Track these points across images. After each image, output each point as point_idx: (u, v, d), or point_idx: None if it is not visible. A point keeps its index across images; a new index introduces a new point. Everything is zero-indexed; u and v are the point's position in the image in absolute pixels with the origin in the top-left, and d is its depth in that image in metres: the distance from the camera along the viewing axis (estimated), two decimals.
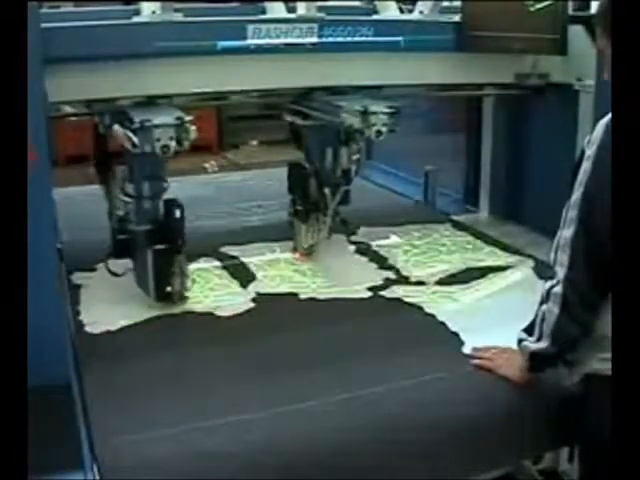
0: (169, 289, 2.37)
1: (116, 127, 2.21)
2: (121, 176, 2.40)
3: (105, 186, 2.55)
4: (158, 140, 2.11)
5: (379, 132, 2.37)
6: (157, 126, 2.11)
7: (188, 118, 2.15)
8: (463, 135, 3.74)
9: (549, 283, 1.73)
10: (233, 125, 8.52)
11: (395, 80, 2.83)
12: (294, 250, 2.86)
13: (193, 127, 2.14)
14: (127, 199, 2.36)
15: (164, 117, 2.14)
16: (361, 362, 2.05)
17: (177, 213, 2.33)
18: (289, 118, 2.85)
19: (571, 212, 1.67)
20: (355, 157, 2.75)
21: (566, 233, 1.68)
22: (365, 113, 2.37)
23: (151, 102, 2.43)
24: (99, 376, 1.96)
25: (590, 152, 1.63)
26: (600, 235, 1.59)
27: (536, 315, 1.78)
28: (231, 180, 4.28)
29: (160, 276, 2.35)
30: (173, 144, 2.11)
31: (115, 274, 2.45)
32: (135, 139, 2.12)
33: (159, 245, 2.33)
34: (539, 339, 1.76)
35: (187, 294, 2.42)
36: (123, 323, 2.29)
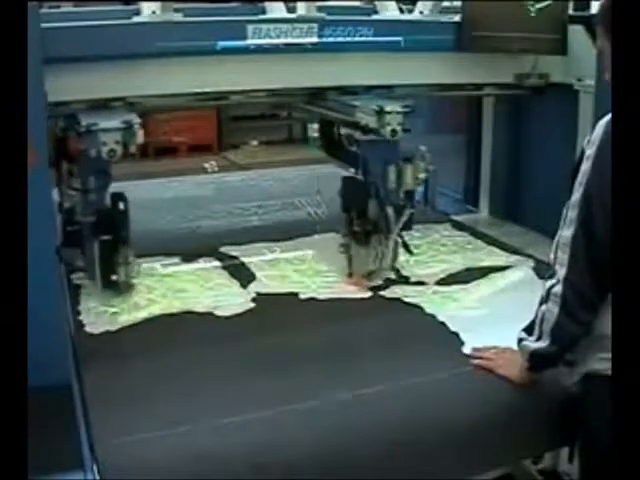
0: (114, 278, 2.42)
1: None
2: (67, 170, 2.48)
3: (57, 181, 2.59)
4: (104, 144, 2.13)
5: (394, 131, 2.37)
6: (104, 130, 2.12)
7: (136, 121, 2.16)
8: (463, 135, 3.74)
9: (549, 283, 1.73)
10: (233, 125, 8.51)
11: (395, 80, 2.83)
12: (349, 275, 2.62)
13: (141, 131, 2.16)
14: (73, 192, 2.44)
15: (111, 121, 2.15)
16: (361, 362, 2.05)
17: (121, 206, 2.39)
18: (344, 131, 2.68)
19: (571, 212, 1.67)
20: (421, 176, 2.52)
21: (566, 233, 1.68)
22: (380, 112, 2.37)
23: (105, 105, 2.42)
24: (99, 376, 1.96)
25: (590, 152, 1.63)
26: (600, 235, 1.59)
27: (536, 315, 1.78)
28: (231, 180, 4.28)
29: (105, 265, 2.41)
30: (119, 148, 2.13)
31: (66, 263, 2.49)
32: (82, 143, 2.16)
33: (104, 236, 2.39)
34: (539, 338, 1.76)
35: (133, 282, 2.48)
36: (123, 323, 2.29)
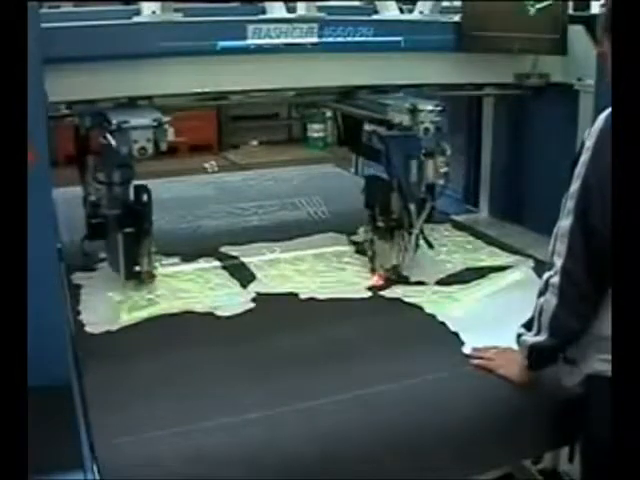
0: (137, 269, 2.47)
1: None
2: (93, 164, 2.51)
3: (81, 176, 2.62)
4: (135, 142, 2.14)
5: (427, 129, 2.39)
6: (135, 128, 2.14)
7: (166, 119, 2.17)
8: (463, 135, 3.74)
9: (547, 273, 1.73)
10: (233, 125, 8.52)
11: (395, 80, 2.83)
12: (372, 272, 2.66)
13: (171, 129, 2.18)
14: (99, 186, 2.47)
15: (141, 119, 2.17)
16: (361, 362, 2.05)
17: (144, 198, 2.43)
18: (368, 127, 2.71)
19: (569, 202, 1.67)
20: (443, 170, 2.56)
21: (564, 223, 1.68)
22: (414, 111, 2.40)
23: (132, 103, 2.45)
24: (99, 376, 1.96)
25: (589, 144, 1.64)
26: (597, 226, 1.60)
27: (534, 309, 1.78)
28: (231, 180, 4.28)
29: (129, 257, 2.46)
30: (150, 146, 2.15)
31: (87, 254, 2.60)
32: (113, 141, 2.16)
33: (128, 228, 2.42)
34: (538, 333, 1.76)
35: (155, 273, 2.53)
36: (123, 323, 2.29)
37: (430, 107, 2.43)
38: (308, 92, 2.83)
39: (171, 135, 2.19)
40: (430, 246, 2.72)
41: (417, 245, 2.65)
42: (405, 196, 2.55)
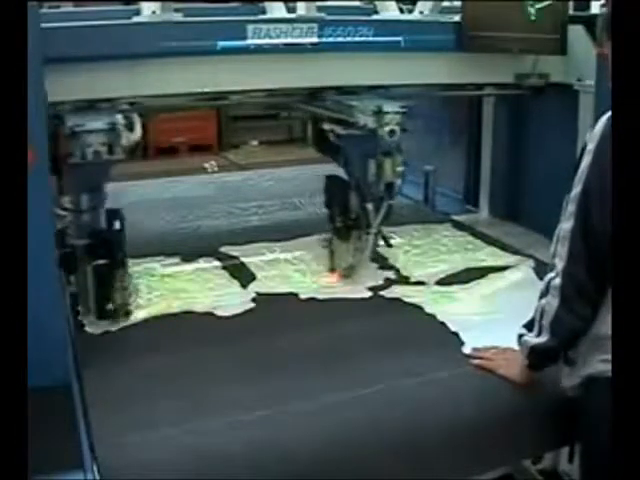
0: (110, 306, 2.26)
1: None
2: (55, 187, 2.25)
3: None
4: (89, 146, 2.04)
5: (392, 131, 2.37)
6: (89, 132, 2.05)
7: (121, 122, 2.09)
8: (463, 135, 3.74)
9: (549, 275, 1.74)
10: (233, 125, 8.52)
11: (395, 80, 2.83)
12: (331, 271, 2.68)
13: (126, 133, 2.08)
14: (63, 212, 2.25)
15: (96, 122, 2.08)
16: (361, 362, 2.05)
17: (117, 225, 2.24)
18: (327, 126, 2.69)
19: (571, 205, 1.68)
20: (399, 169, 2.56)
21: (566, 226, 1.69)
22: (379, 113, 2.37)
23: (92, 106, 2.34)
24: (99, 376, 1.96)
25: (590, 147, 1.64)
26: (598, 228, 1.60)
27: (536, 310, 1.78)
28: (231, 180, 4.28)
29: (101, 292, 2.24)
30: (104, 150, 2.05)
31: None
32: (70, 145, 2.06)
33: (99, 260, 2.22)
34: (539, 334, 1.76)
35: (130, 309, 2.32)
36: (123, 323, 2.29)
37: (396, 109, 2.38)
38: (278, 94, 2.80)
39: (135, 137, 2.08)
40: (388, 245, 2.74)
41: (376, 244, 2.65)
42: (363, 195, 2.56)
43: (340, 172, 2.72)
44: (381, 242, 2.70)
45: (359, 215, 2.57)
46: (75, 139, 2.06)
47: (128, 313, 2.31)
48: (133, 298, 2.36)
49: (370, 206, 2.54)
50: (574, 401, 1.80)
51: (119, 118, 2.11)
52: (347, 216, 2.60)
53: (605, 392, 1.50)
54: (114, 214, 2.27)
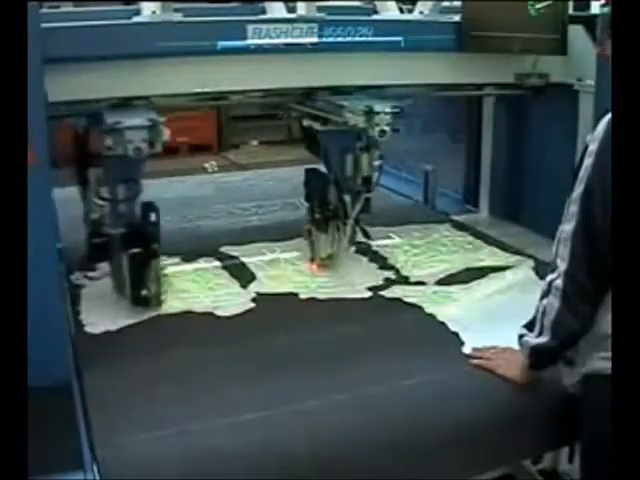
0: (144, 293, 2.34)
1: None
2: (95, 179, 2.37)
3: (82, 189, 2.50)
4: (130, 142, 2.10)
5: (383, 131, 2.38)
6: (129, 128, 2.10)
7: (161, 120, 2.14)
8: (463, 135, 3.74)
9: (550, 276, 1.74)
10: (233, 125, 8.51)
11: (395, 80, 2.83)
12: (311, 260, 2.75)
13: (167, 129, 2.14)
14: (101, 202, 2.34)
15: (136, 119, 2.13)
16: (361, 362, 2.05)
17: (153, 217, 2.31)
18: (306, 123, 2.77)
19: (572, 206, 1.68)
20: (376, 163, 2.68)
21: (567, 227, 1.69)
22: (369, 113, 2.38)
23: (128, 104, 2.40)
24: (99, 376, 1.96)
25: (592, 148, 1.64)
26: (600, 229, 1.60)
27: (537, 310, 1.78)
28: (231, 180, 4.28)
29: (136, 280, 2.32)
30: (145, 146, 2.11)
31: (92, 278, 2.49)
32: (108, 141, 2.12)
33: (135, 249, 2.29)
34: (540, 334, 1.76)
35: (163, 298, 2.39)
36: (123, 323, 2.29)
37: (386, 109, 2.40)
38: (273, 93, 2.82)
39: (167, 135, 2.14)
40: (366, 236, 2.83)
41: (353, 235, 2.76)
42: (341, 188, 2.65)
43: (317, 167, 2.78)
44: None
45: (337, 207, 2.66)
46: (115, 135, 2.12)
47: (160, 302, 2.37)
48: (165, 288, 2.41)
49: (348, 198, 2.65)
50: (574, 401, 1.80)
51: (156, 116, 2.17)
52: (326, 208, 2.68)
53: (604, 390, 1.50)
54: (149, 207, 2.34)
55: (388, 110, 2.39)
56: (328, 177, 2.71)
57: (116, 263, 2.40)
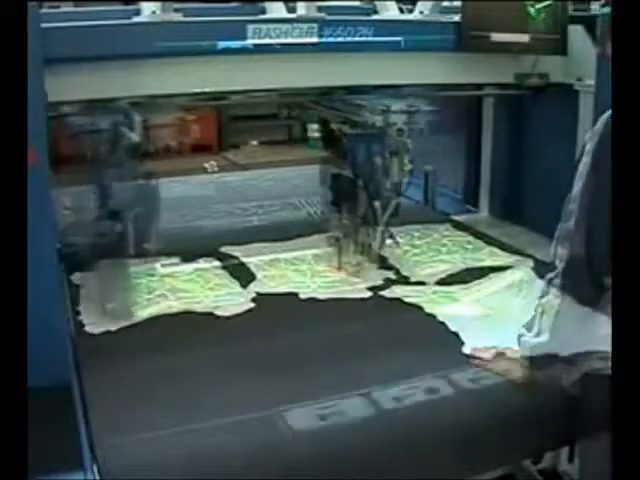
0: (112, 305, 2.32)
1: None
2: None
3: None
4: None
5: (400, 130, 2.37)
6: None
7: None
8: (463, 135, 3.74)
9: (549, 275, 1.73)
10: (233, 125, 8.51)
11: (395, 80, 2.83)
12: (338, 268, 2.69)
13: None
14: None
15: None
16: (361, 362, 2.05)
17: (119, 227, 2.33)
18: (335, 126, 2.72)
19: (571, 205, 1.68)
20: (407, 168, 2.60)
21: (566, 226, 1.69)
22: (386, 112, 2.38)
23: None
24: (99, 376, 1.96)
25: (591, 146, 1.64)
26: (599, 228, 1.60)
27: (536, 310, 1.78)
28: (231, 180, 4.28)
29: None
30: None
31: None
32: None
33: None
34: (539, 333, 1.76)
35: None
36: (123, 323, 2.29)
37: (403, 107, 2.42)
38: (289, 93, 2.82)
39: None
40: (396, 243, 2.75)
41: (383, 241, 2.67)
42: (370, 194, 2.58)
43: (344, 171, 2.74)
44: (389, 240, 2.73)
45: (366, 213, 2.58)
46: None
47: (131, 314, 2.33)
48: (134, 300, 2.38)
49: (377, 204, 2.56)
50: (574, 401, 1.80)
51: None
52: (354, 214, 2.61)
53: (604, 390, 1.50)
54: (116, 216, 2.36)
55: (405, 108, 2.40)
56: (357, 182, 2.62)
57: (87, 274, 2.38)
